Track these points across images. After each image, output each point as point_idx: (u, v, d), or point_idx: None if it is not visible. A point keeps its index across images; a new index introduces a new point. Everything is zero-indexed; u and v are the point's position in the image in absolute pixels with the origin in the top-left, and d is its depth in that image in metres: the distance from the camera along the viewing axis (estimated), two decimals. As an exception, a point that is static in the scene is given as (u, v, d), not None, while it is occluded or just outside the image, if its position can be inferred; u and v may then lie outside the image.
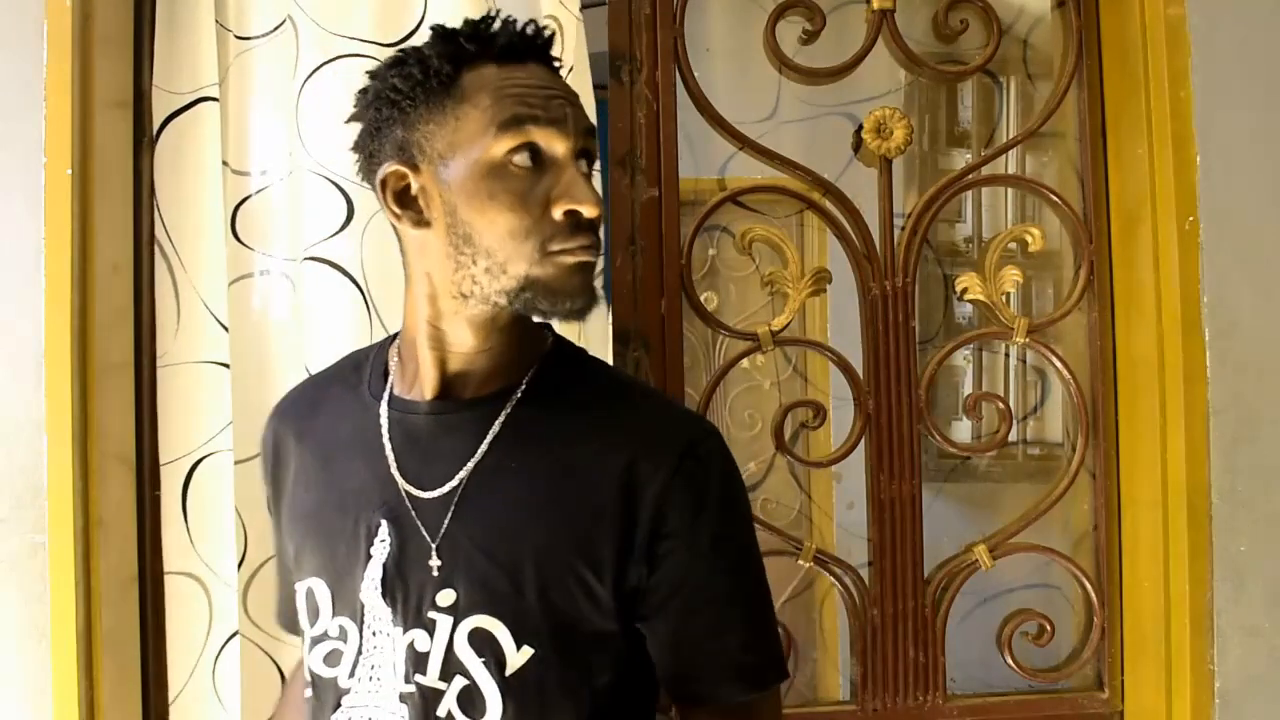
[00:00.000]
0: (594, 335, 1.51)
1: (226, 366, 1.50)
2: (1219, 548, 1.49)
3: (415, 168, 0.88)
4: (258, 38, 1.53)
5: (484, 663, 0.86)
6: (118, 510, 1.44)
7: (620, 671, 0.90)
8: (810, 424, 1.61)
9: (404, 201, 0.89)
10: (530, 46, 0.89)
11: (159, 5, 1.52)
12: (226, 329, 1.51)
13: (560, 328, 0.98)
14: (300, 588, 0.96)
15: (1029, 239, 1.66)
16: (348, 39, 1.50)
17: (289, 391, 1.09)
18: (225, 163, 1.52)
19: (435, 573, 0.88)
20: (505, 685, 0.86)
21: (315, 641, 0.94)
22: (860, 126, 1.63)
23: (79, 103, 1.39)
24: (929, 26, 1.67)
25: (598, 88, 1.56)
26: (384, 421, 0.94)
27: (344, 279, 1.50)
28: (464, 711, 0.87)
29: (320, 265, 1.49)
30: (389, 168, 0.88)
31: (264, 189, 1.53)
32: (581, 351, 1.00)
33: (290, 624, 1.06)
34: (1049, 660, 1.64)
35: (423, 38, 1.55)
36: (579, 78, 1.49)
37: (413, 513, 0.90)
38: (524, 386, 0.92)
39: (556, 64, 0.92)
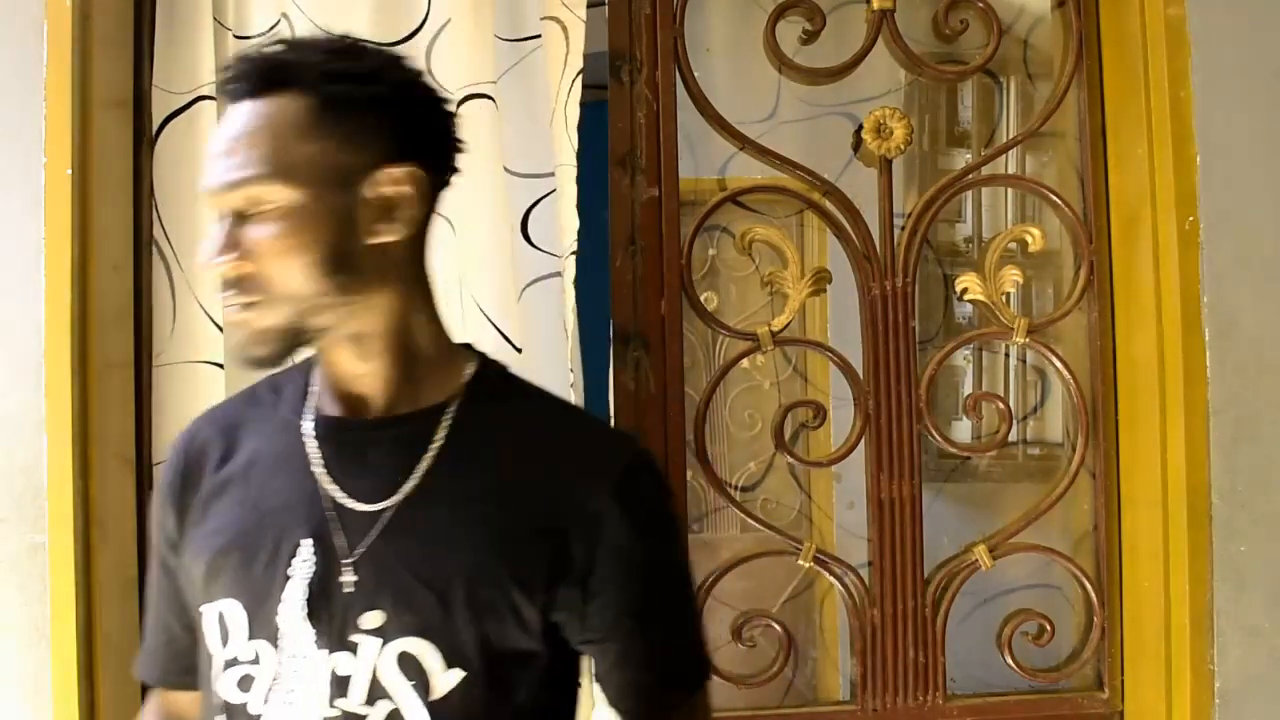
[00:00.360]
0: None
1: (221, 367, 1.50)
2: (1219, 548, 1.49)
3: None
4: (256, 36, 1.53)
5: (413, 686, 0.85)
6: (118, 510, 1.44)
7: (540, 689, 0.90)
8: (810, 424, 1.61)
9: None
10: (236, 88, 0.87)
11: (159, 5, 1.52)
12: (221, 329, 1.51)
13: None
14: (210, 610, 0.91)
15: (1029, 239, 1.66)
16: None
17: (200, 416, 1.04)
18: (225, 163, 1.52)
19: (359, 593, 0.86)
20: (433, 709, 0.84)
21: (227, 665, 0.89)
22: (860, 126, 1.63)
23: (79, 103, 1.39)
24: (929, 26, 1.67)
25: (598, 87, 1.56)
26: (310, 439, 0.92)
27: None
28: None
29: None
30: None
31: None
32: (509, 372, 0.99)
33: (157, 674, 1.01)
34: (1049, 660, 1.64)
35: (426, 38, 1.56)
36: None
37: (340, 531, 0.88)
38: (456, 406, 0.91)
39: (263, 88, 0.87)
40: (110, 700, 1.38)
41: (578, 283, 1.54)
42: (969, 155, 1.85)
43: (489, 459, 0.90)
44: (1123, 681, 1.61)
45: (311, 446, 0.92)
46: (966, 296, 1.65)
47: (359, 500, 0.89)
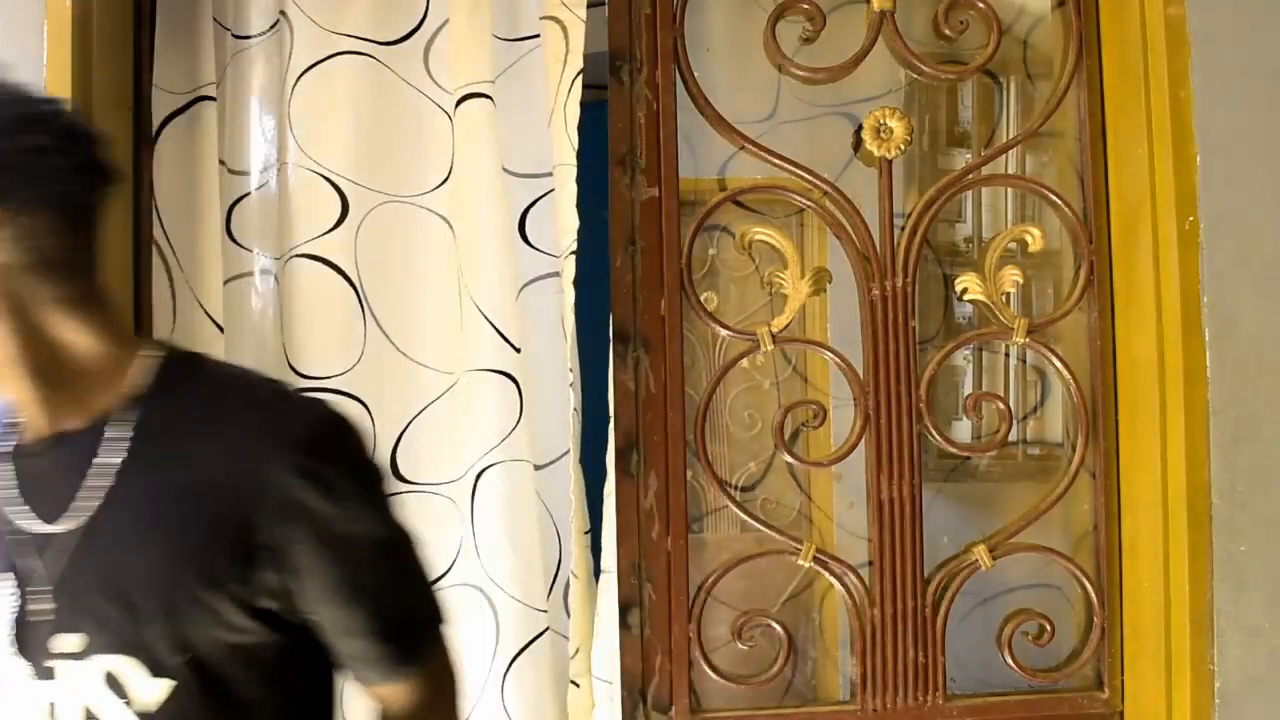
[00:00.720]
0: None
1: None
2: (1219, 548, 1.49)
3: None
4: (256, 36, 1.53)
5: (124, 704, 0.83)
6: (117, 510, 1.44)
7: (276, 679, 0.88)
8: (810, 424, 1.61)
9: None
10: None
11: (159, 5, 1.52)
12: (222, 329, 1.50)
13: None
14: None
15: (1029, 239, 1.66)
16: (345, 36, 1.49)
17: None
18: (222, 161, 1.52)
19: (59, 619, 0.84)
20: None
21: None
22: (860, 126, 1.62)
23: (79, 103, 1.39)
24: (929, 26, 1.66)
25: (597, 87, 1.56)
26: (8, 467, 0.90)
27: (337, 276, 1.50)
28: None
29: (313, 263, 1.49)
30: None
31: (262, 186, 1.53)
32: (191, 354, 0.95)
33: None
34: (1049, 660, 1.64)
35: (424, 38, 1.56)
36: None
37: (37, 559, 0.85)
38: (128, 409, 0.88)
39: None
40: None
41: (577, 283, 1.54)
42: (969, 155, 1.84)
43: (171, 456, 0.87)
44: (1123, 681, 1.61)
45: (4, 472, 0.89)
46: (966, 296, 1.65)
47: (46, 523, 0.86)
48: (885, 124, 1.61)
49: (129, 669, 0.83)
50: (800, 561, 1.57)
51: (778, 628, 1.58)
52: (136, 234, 1.51)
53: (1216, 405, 1.50)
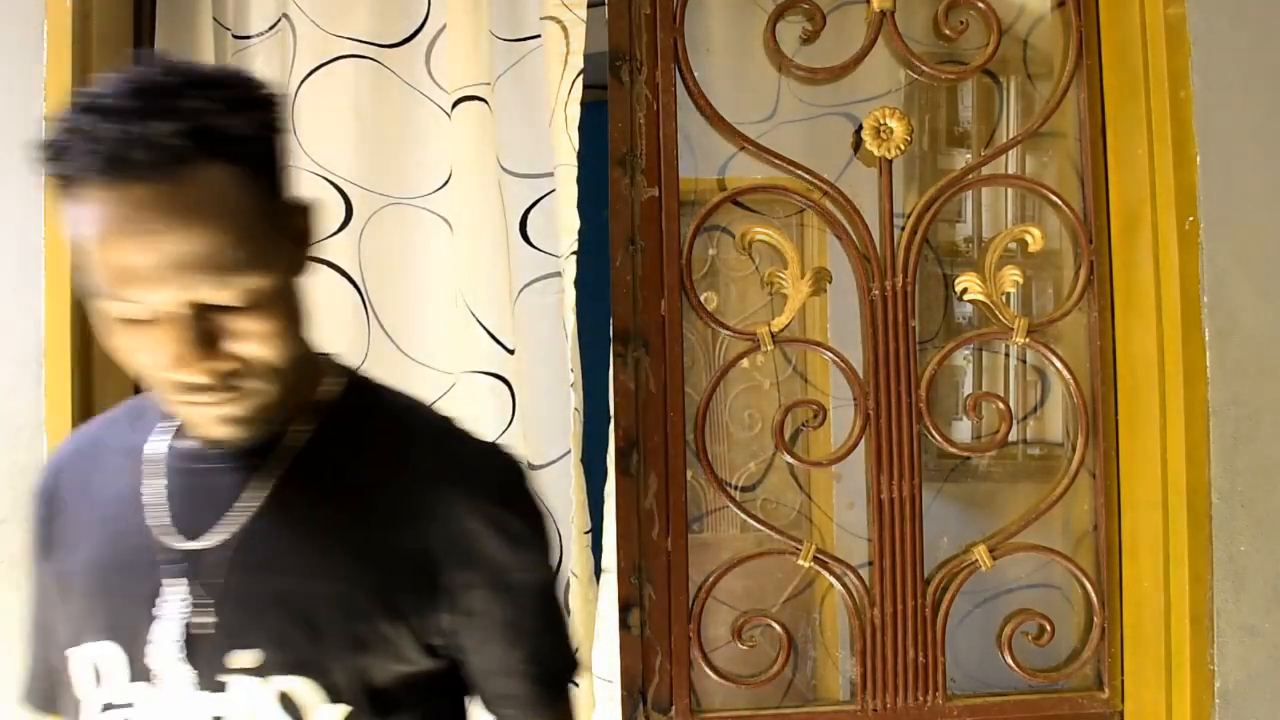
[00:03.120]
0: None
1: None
2: (1219, 548, 1.49)
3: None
4: (255, 36, 1.53)
5: None
6: (117, 510, 1.44)
7: (428, 706, 0.89)
8: (810, 424, 1.61)
9: None
10: (123, 165, 0.69)
11: (159, 5, 1.52)
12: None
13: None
14: (76, 655, 0.86)
15: (1029, 239, 1.66)
16: (347, 39, 1.49)
17: (64, 442, 1.00)
18: (224, 162, 1.52)
19: (227, 632, 0.82)
20: None
21: (105, 709, 0.85)
22: (860, 126, 1.63)
23: (79, 103, 1.39)
24: (929, 26, 1.67)
25: (598, 87, 1.56)
26: (160, 473, 0.87)
27: (342, 280, 1.49)
28: None
29: (317, 265, 1.49)
30: None
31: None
32: (380, 387, 0.94)
33: (44, 702, 0.98)
34: (1049, 660, 1.64)
35: (426, 39, 1.56)
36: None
37: (198, 569, 0.83)
38: (310, 430, 0.86)
39: (182, 165, 0.71)
40: (110, 700, 1.38)
41: (578, 283, 1.54)
42: (969, 155, 1.84)
43: (347, 481, 0.86)
44: (1123, 681, 1.61)
45: (164, 480, 0.87)
46: (966, 296, 1.65)
47: (209, 533, 0.84)
48: (885, 124, 1.61)
49: (306, 691, 0.83)
50: (800, 562, 1.58)
51: (778, 628, 1.58)
52: (137, 234, 1.51)
53: (1216, 405, 1.50)
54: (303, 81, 1.48)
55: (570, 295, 1.54)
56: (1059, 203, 1.65)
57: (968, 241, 1.91)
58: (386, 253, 1.58)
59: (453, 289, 1.60)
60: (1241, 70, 1.53)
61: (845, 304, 1.64)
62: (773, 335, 1.57)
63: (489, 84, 1.54)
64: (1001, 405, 1.66)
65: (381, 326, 1.50)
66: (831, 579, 1.60)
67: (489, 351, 1.58)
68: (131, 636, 0.84)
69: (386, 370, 1.56)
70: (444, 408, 0.96)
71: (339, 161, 1.49)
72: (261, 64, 1.52)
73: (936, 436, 1.61)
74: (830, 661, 1.80)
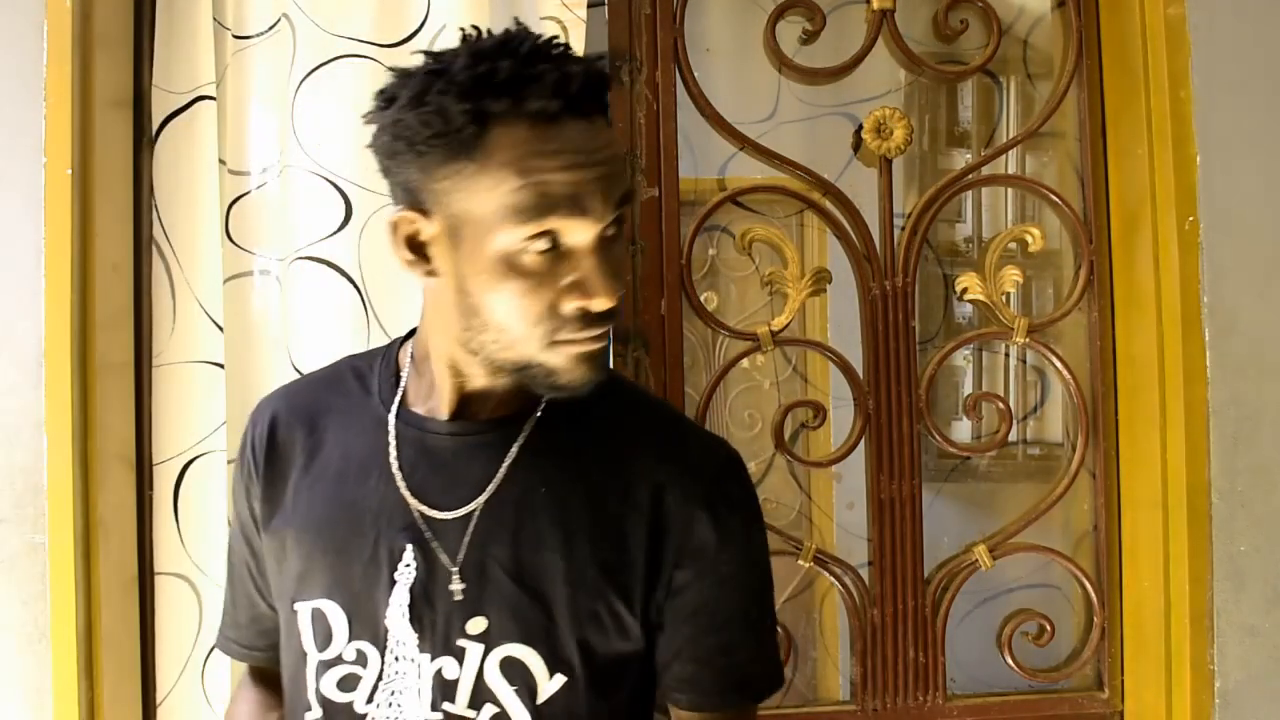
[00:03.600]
0: None
1: (221, 367, 1.50)
2: (1219, 548, 1.49)
3: (428, 215, 0.82)
4: (255, 36, 1.53)
5: (516, 691, 0.86)
6: (118, 510, 1.44)
7: (636, 685, 0.91)
8: (810, 424, 1.61)
9: (415, 248, 0.84)
10: (571, 101, 0.78)
11: (159, 5, 1.52)
12: (221, 329, 1.50)
13: None
14: (304, 609, 0.91)
15: (1029, 239, 1.66)
16: (347, 39, 1.49)
17: (279, 392, 1.01)
18: (222, 162, 1.52)
19: (461, 599, 0.86)
20: (536, 713, 0.86)
21: (327, 665, 0.90)
22: (860, 126, 1.63)
23: (79, 103, 1.39)
24: (929, 26, 1.67)
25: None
26: (392, 440, 0.91)
27: (341, 279, 1.49)
28: None
29: (317, 265, 1.49)
30: (400, 213, 0.83)
31: (261, 186, 1.53)
32: (613, 373, 0.96)
33: (241, 652, 1.04)
34: (1049, 660, 1.64)
35: (426, 39, 1.56)
36: None
37: (433, 536, 0.87)
38: (544, 407, 0.90)
39: (603, 113, 0.82)
40: (110, 700, 1.38)
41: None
42: (969, 155, 1.84)
43: (576, 463, 0.89)
44: (1123, 681, 1.61)
45: (394, 446, 0.91)
46: (966, 296, 1.65)
47: (448, 502, 0.88)
48: (885, 124, 1.61)
49: (530, 659, 0.86)
50: (800, 562, 1.58)
51: (778, 628, 1.57)
52: (136, 234, 1.51)
53: (1216, 405, 1.50)
54: (302, 81, 1.48)
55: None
56: (1059, 203, 1.65)
57: (968, 241, 1.91)
58: (387, 253, 1.58)
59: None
60: (1241, 70, 1.53)
61: (845, 304, 1.64)
62: (773, 335, 1.57)
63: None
64: (1001, 405, 1.66)
65: (381, 327, 1.50)
66: (831, 579, 1.60)
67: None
68: (358, 597, 0.89)
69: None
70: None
71: (339, 161, 1.49)
72: (262, 63, 1.52)
73: (936, 436, 1.61)
74: (830, 661, 1.81)
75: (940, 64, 1.66)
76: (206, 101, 1.52)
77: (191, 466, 1.49)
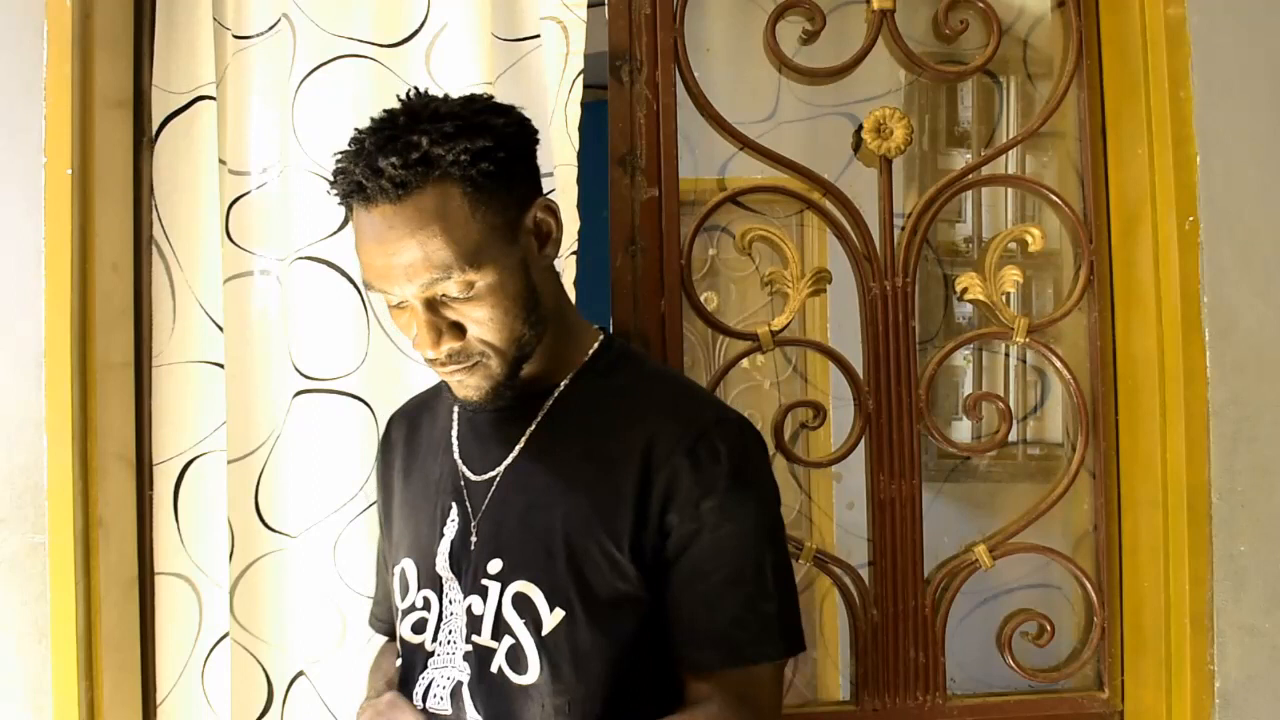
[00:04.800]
0: None
1: (221, 366, 1.50)
2: (1219, 548, 1.49)
3: None
4: (255, 36, 1.53)
5: (525, 624, 0.98)
6: (118, 510, 1.44)
7: (642, 631, 0.99)
8: (810, 424, 1.61)
9: None
10: (382, 190, 0.92)
11: (159, 5, 1.52)
12: (221, 329, 1.50)
13: None
14: (397, 570, 1.10)
15: (1029, 239, 1.66)
16: (347, 39, 1.49)
17: (409, 400, 1.25)
18: (222, 161, 1.52)
19: (485, 543, 1.01)
20: (541, 644, 0.97)
21: (405, 613, 1.07)
22: (860, 126, 1.63)
23: (79, 103, 1.39)
24: (929, 26, 1.67)
25: (598, 87, 1.56)
26: (455, 421, 1.11)
27: (341, 279, 1.50)
28: (512, 668, 0.98)
29: (318, 265, 1.49)
30: None
31: (262, 186, 1.53)
32: (627, 347, 1.13)
33: (383, 626, 1.26)
34: (1049, 660, 1.64)
35: (426, 39, 1.56)
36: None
37: (469, 495, 1.05)
38: (566, 382, 1.05)
39: (408, 190, 0.92)
40: (110, 700, 1.38)
41: (577, 283, 1.54)
42: (969, 155, 1.84)
43: (588, 427, 1.03)
44: (1123, 681, 1.61)
45: (455, 427, 1.11)
46: (966, 296, 1.65)
47: (483, 465, 1.06)
48: (885, 124, 1.61)
49: (535, 595, 0.98)
50: (800, 561, 1.58)
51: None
52: (136, 234, 1.51)
53: (1216, 405, 1.50)
54: (303, 81, 1.48)
55: (570, 295, 1.54)
56: (1059, 203, 1.65)
57: (968, 241, 1.91)
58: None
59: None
60: (1241, 70, 1.52)
61: (845, 304, 1.64)
62: (773, 335, 1.57)
63: (489, 84, 1.54)
64: (1001, 405, 1.66)
65: (381, 326, 1.50)
66: (831, 579, 1.60)
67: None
68: (425, 551, 1.07)
69: (386, 370, 1.56)
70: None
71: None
72: (262, 63, 1.52)
73: (936, 436, 1.61)
74: (830, 661, 1.81)
75: (940, 64, 1.66)
76: (207, 101, 1.52)
77: (192, 466, 1.50)
